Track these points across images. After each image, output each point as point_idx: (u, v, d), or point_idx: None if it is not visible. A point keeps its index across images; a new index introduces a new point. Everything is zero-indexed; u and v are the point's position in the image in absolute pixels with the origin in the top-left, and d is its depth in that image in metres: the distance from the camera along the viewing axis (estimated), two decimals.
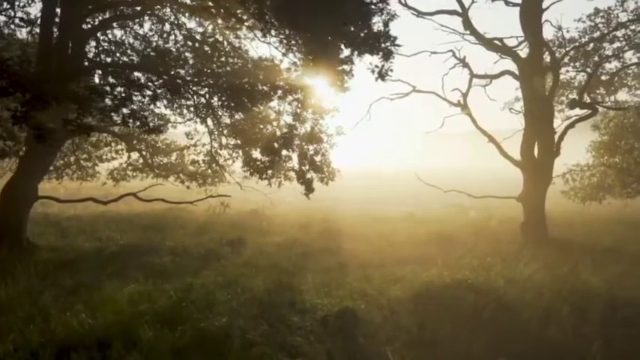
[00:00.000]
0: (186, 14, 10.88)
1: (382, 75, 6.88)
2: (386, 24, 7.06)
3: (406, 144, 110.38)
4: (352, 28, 5.89)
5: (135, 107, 14.41)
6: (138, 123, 7.75)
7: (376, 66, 6.86)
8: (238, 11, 8.74)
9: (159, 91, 8.39)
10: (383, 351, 4.74)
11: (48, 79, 5.37)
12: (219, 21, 10.58)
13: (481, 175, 44.27)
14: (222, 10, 9.08)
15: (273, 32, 8.55)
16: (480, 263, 7.67)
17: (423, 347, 4.83)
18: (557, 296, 5.91)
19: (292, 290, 7.05)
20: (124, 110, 7.44)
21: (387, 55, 6.62)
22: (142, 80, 11.98)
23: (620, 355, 4.60)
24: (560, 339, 4.97)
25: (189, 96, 13.12)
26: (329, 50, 6.41)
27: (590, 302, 5.65)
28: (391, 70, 6.89)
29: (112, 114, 6.85)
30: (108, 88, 5.98)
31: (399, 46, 6.67)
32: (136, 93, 7.64)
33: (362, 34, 6.17)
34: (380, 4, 6.18)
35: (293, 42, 8.42)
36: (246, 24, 11.32)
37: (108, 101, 7.14)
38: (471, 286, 6.08)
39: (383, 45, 6.42)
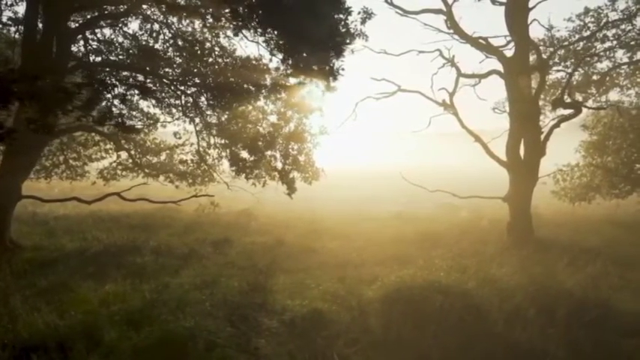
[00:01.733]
0: (167, 11, 10.79)
1: (333, 74, 6.81)
2: (363, 21, 7.01)
3: (406, 143, 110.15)
4: (308, 26, 5.82)
5: (123, 107, 14.48)
6: (113, 122, 7.72)
7: (328, 65, 6.80)
8: (221, 11, 8.69)
9: (129, 90, 8.30)
10: (345, 353, 4.70)
11: (14, 77, 5.31)
12: (199, 20, 10.52)
13: (480, 174, 44.13)
14: (199, 9, 9.03)
15: (259, 31, 8.53)
16: (455, 264, 7.62)
17: (385, 348, 4.79)
18: (528, 297, 5.86)
19: (265, 291, 7.03)
20: (97, 109, 7.38)
21: (338, 53, 6.55)
22: (130, 79, 12.01)
23: (581, 358, 4.55)
24: (526, 341, 4.92)
25: (178, 95, 13.14)
26: (302, 49, 6.37)
27: (561, 304, 5.59)
28: (342, 69, 6.82)
29: (85, 113, 6.79)
30: (76, 88, 5.92)
31: (348, 44, 6.59)
32: (104, 93, 7.58)
33: (315, 32, 6.08)
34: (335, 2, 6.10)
35: (281, 42, 8.37)
36: (234, 23, 11.30)
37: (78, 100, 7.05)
38: (442, 287, 6.02)
39: (334, 42, 6.32)
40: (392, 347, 4.82)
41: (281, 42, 6.81)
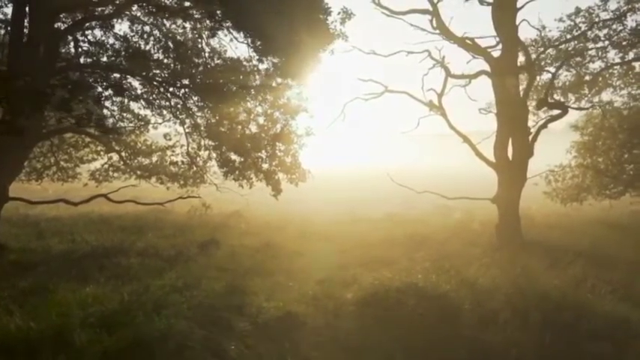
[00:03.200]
0: (152, 13, 10.80)
1: (283, 75, 6.80)
2: (342, 21, 6.98)
3: (406, 144, 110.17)
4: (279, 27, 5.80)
5: (115, 108, 14.45)
6: (93, 123, 7.71)
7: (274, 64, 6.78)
8: (201, 11, 8.69)
9: (106, 91, 8.31)
10: (312, 355, 4.67)
11: None
12: (182, 21, 10.53)
13: (481, 175, 43.96)
14: (182, 10, 9.04)
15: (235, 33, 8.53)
16: (436, 266, 7.58)
17: (353, 352, 4.76)
18: (504, 300, 5.82)
19: (244, 293, 7.00)
20: (78, 110, 7.39)
21: (315, 54, 6.52)
22: (106, 80, 11.93)
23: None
24: (497, 343, 4.87)
25: (168, 97, 13.16)
26: (278, 51, 6.35)
27: (536, 307, 5.54)
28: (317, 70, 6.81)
29: (62, 114, 6.78)
30: (49, 89, 5.90)
31: (327, 44, 6.58)
32: (80, 94, 7.58)
33: (288, 33, 6.07)
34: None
35: (256, 43, 8.36)
36: (210, 24, 11.27)
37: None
38: (418, 289, 5.98)
39: (311, 44, 6.32)
40: (360, 350, 4.79)
41: (256, 43, 6.81)
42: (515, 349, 4.52)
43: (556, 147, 18.64)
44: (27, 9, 10.38)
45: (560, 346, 4.71)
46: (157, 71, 12.63)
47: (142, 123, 14.78)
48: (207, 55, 12.66)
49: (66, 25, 12.27)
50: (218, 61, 12.46)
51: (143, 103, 13.54)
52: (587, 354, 4.60)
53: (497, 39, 11.70)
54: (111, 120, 12.95)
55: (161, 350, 5.07)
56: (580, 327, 5.10)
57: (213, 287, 7.48)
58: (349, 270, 8.42)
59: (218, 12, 6.54)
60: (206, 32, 10.51)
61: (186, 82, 12.19)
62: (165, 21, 12.76)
